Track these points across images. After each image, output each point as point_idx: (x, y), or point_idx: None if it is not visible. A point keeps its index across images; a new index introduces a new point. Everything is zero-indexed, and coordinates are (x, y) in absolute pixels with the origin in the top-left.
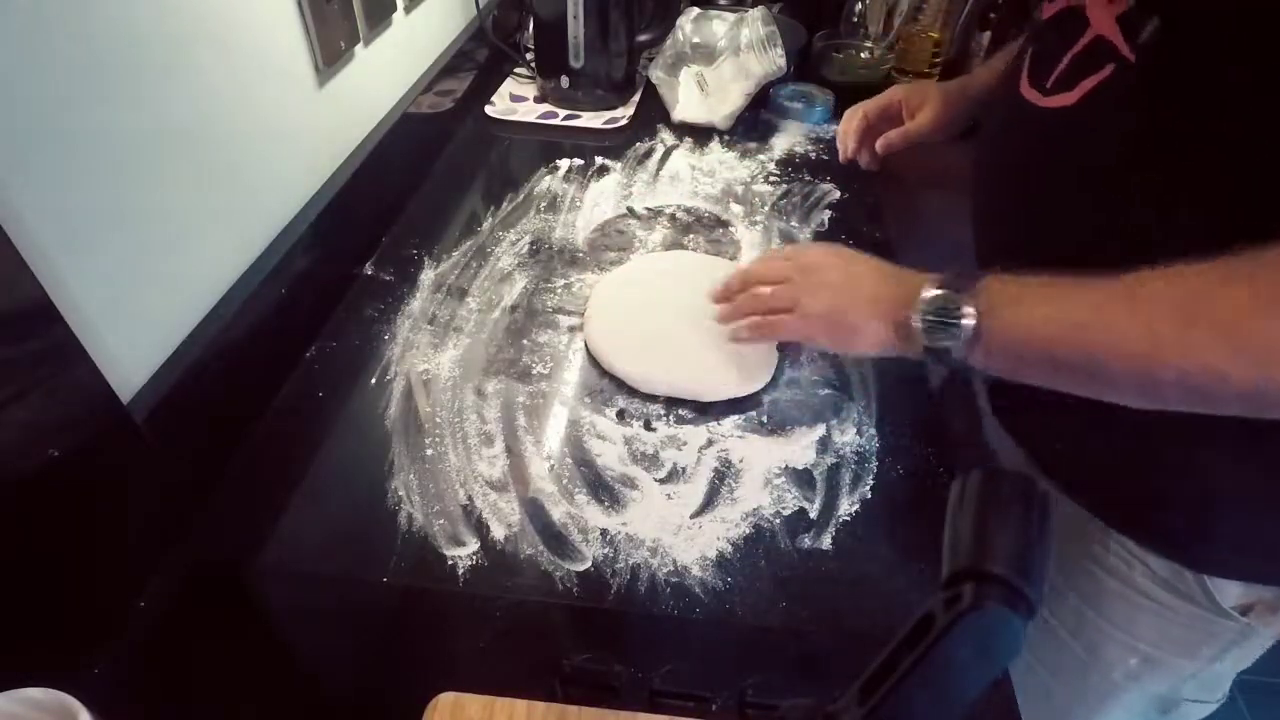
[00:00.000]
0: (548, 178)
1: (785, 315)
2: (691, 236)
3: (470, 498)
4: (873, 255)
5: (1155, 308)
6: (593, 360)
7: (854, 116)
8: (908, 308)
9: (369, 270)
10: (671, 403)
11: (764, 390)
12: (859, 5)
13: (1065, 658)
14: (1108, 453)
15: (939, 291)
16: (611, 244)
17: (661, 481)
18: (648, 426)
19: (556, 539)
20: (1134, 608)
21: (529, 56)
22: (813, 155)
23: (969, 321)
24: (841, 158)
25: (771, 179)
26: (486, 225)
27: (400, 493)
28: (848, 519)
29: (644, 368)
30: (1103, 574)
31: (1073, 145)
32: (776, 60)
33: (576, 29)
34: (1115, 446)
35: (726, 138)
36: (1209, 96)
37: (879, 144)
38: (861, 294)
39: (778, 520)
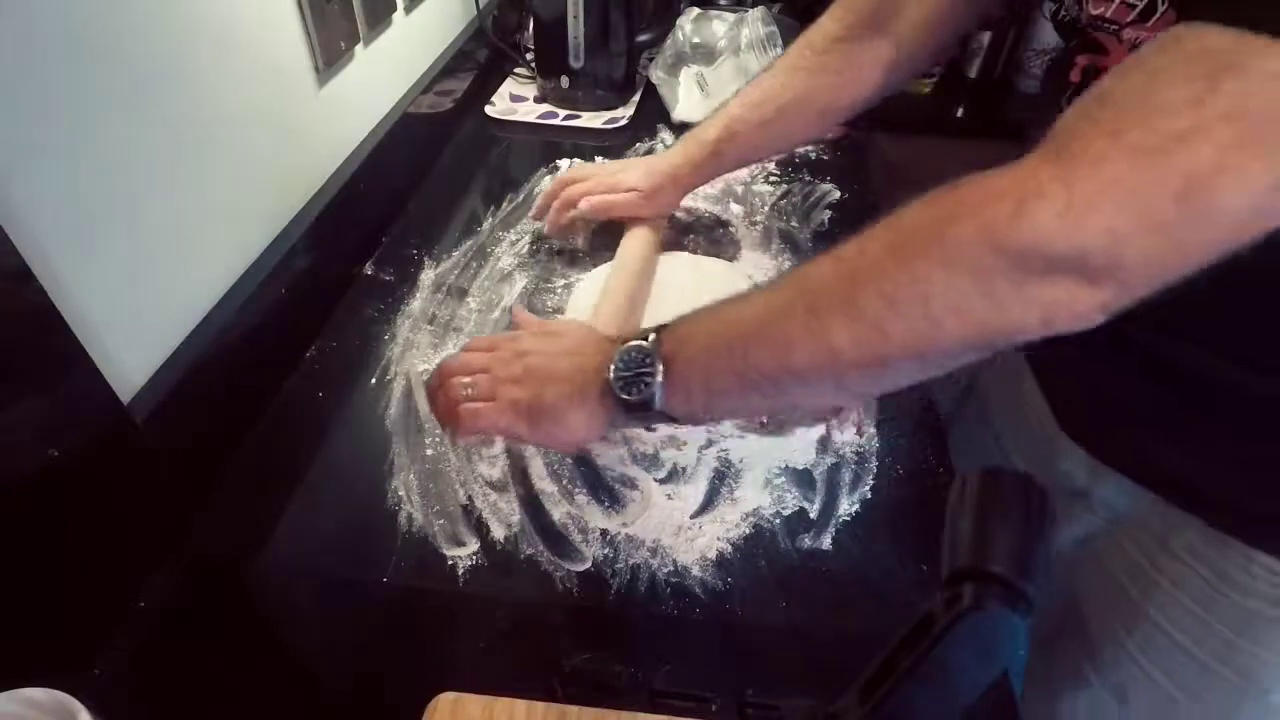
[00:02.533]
0: (548, 178)
1: (483, 405)
2: (691, 237)
3: (470, 498)
4: (589, 328)
5: (812, 285)
6: None
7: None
8: (604, 370)
9: (369, 270)
10: None
11: None
12: None
13: (1218, 687)
14: (1239, 469)
15: (628, 344)
16: (611, 244)
17: (661, 482)
18: (648, 426)
19: (556, 539)
20: None
21: (529, 56)
22: (813, 155)
23: (659, 369)
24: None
25: (771, 179)
26: (486, 225)
27: (400, 493)
28: (848, 519)
29: None
30: (1248, 599)
31: None
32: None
33: (576, 29)
34: (1246, 461)
35: None
36: None
37: (584, 203)
38: (562, 373)
39: (778, 520)
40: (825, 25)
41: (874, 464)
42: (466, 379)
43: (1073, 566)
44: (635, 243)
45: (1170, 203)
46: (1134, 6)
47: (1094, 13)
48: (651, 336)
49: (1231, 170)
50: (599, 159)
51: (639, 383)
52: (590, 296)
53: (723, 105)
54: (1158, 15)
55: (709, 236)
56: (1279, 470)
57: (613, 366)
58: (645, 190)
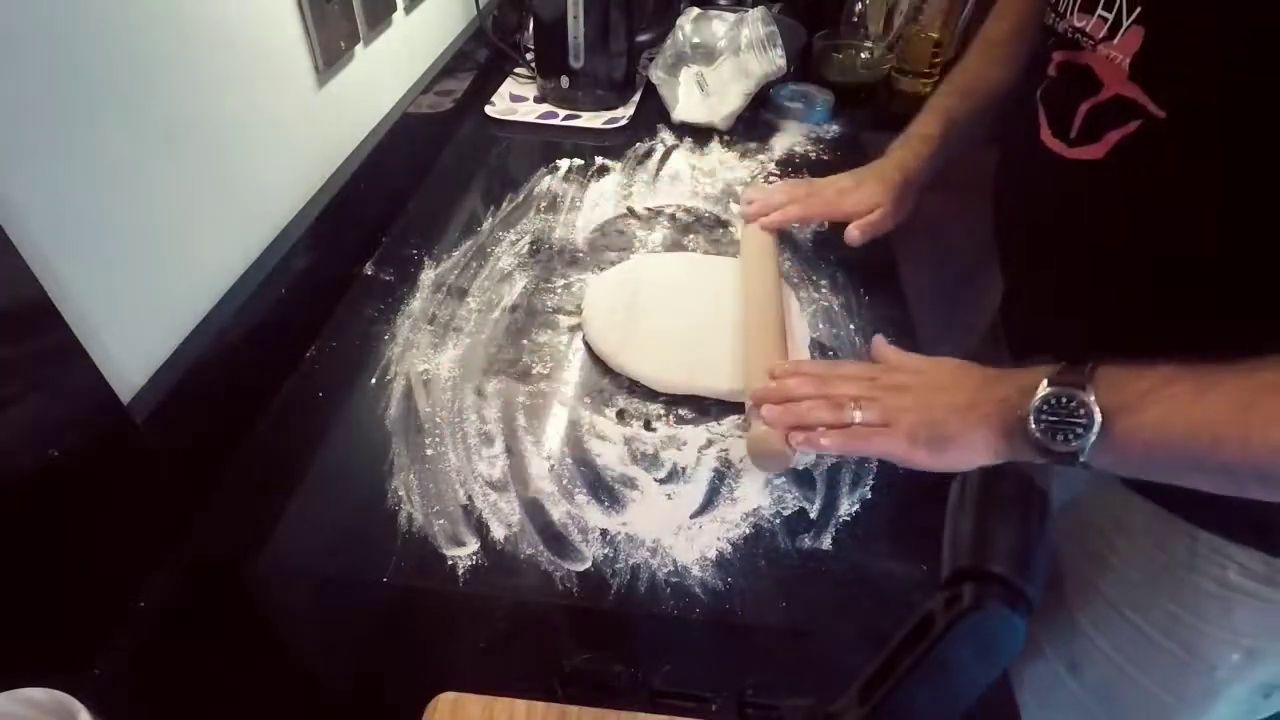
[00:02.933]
0: (547, 178)
1: (881, 428)
2: (691, 237)
3: (470, 498)
4: (963, 361)
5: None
6: (595, 359)
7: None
8: (1014, 407)
9: (369, 270)
10: (671, 403)
11: None
12: (859, 5)
13: (1164, 661)
14: None
15: (1056, 387)
16: (611, 244)
17: (661, 481)
18: (648, 426)
19: (556, 539)
20: (1230, 604)
21: (529, 56)
22: (813, 155)
23: (1096, 421)
24: (749, 210)
25: (771, 179)
26: (486, 225)
27: (400, 493)
28: (848, 519)
29: (657, 366)
30: (1192, 575)
31: (1104, 196)
32: (776, 60)
33: (576, 29)
34: None
35: (726, 138)
36: (1245, 148)
37: (854, 232)
38: (958, 404)
39: (778, 520)
40: (998, 22)
41: (874, 464)
42: (851, 402)
43: None
44: (759, 262)
45: None
46: (1106, 21)
47: (1076, 25)
48: (1087, 385)
49: None
50: (599, 159)
51: (1068, 430)
52: (602, 299)
53: (930, 102)
54: (1123, 30)
55: (709, 237)
56: None
57: (1034, 406)
58: (891, 205)
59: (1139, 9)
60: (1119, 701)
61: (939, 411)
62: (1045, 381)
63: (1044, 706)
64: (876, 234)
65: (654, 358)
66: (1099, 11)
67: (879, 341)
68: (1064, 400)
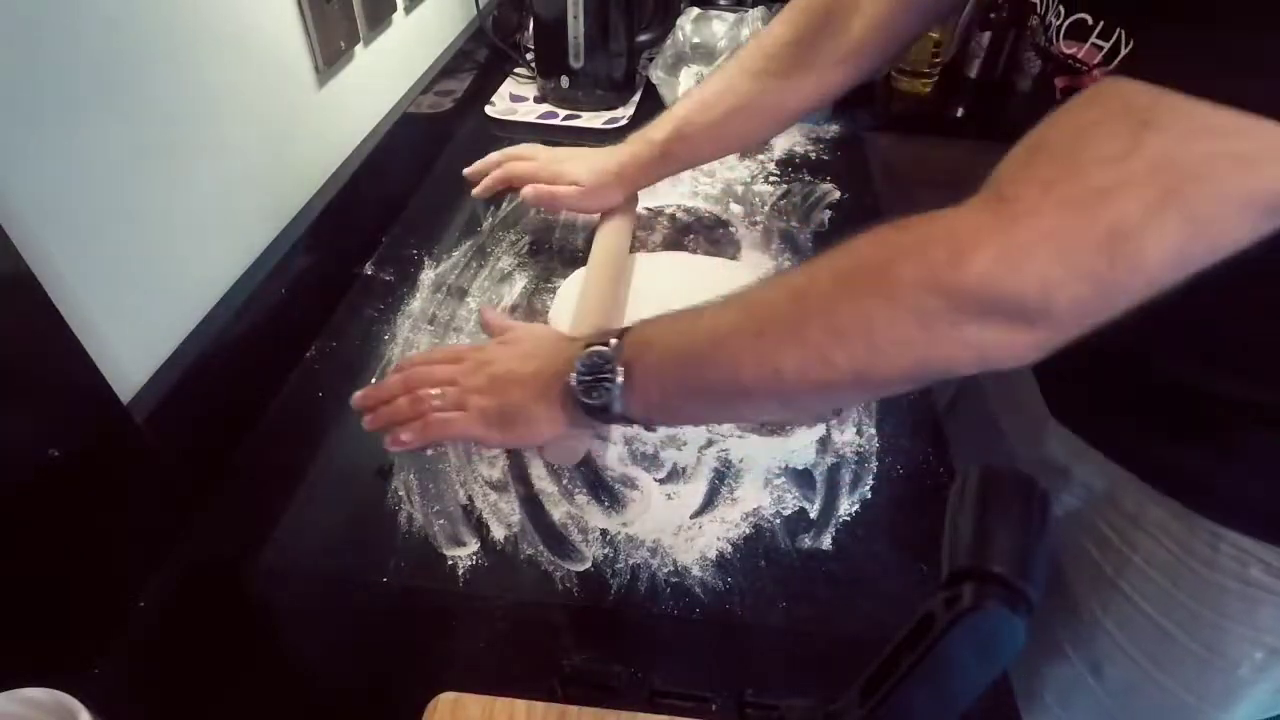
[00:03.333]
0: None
1: (455, 414)
2: (691, 236)
3: (470, 498)
4: (554, 331)
5: (762, 310)
6: None
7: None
8: (565, 374)
9: (369, 270)
10: None
11: None
12: None
13: (1186, 660)
14: (1210, 452)
15: (590, 349)
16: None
17: (661, 481)
18: (648, 426)
19: (556, 539)
20: (1253, 602)
21: (529, 56)
22: (813, 155)
23: (619, 374)
24: (472, 174)
25: (771, 179)
26: (486, 225)
27: (400, 493)
28: (848, 519)
29: None
30: (1214, 573)
31: None
32: None
33: (576, 29)
34: (1218, 445)
35: None
36: None
37: (528, 190)
38: (525, 377)
39: (778, 520)
40: (776, 29)
41: (874, 464)
42: (435, 390)
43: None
44: (607, 239)
45: (1097, 254)
46: (1101, 49)
47: (1066, 52)
48: (614, 341)
49: (1153, 224)
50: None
51: (599, 386)
52: (570, 299)
53: (671, 106)
54: (1120, 58)
55: (709, 236)
56: (1247, 456)
57: (574, 370)
58: (587, 186)
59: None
60: (1141, 703)
61: (508, 390)
62: (584, 344)
63: (1067, 709)
64: (551, 206)
65: None
66: (1092, 40)
67: (485, 310)
68: (596, 359)
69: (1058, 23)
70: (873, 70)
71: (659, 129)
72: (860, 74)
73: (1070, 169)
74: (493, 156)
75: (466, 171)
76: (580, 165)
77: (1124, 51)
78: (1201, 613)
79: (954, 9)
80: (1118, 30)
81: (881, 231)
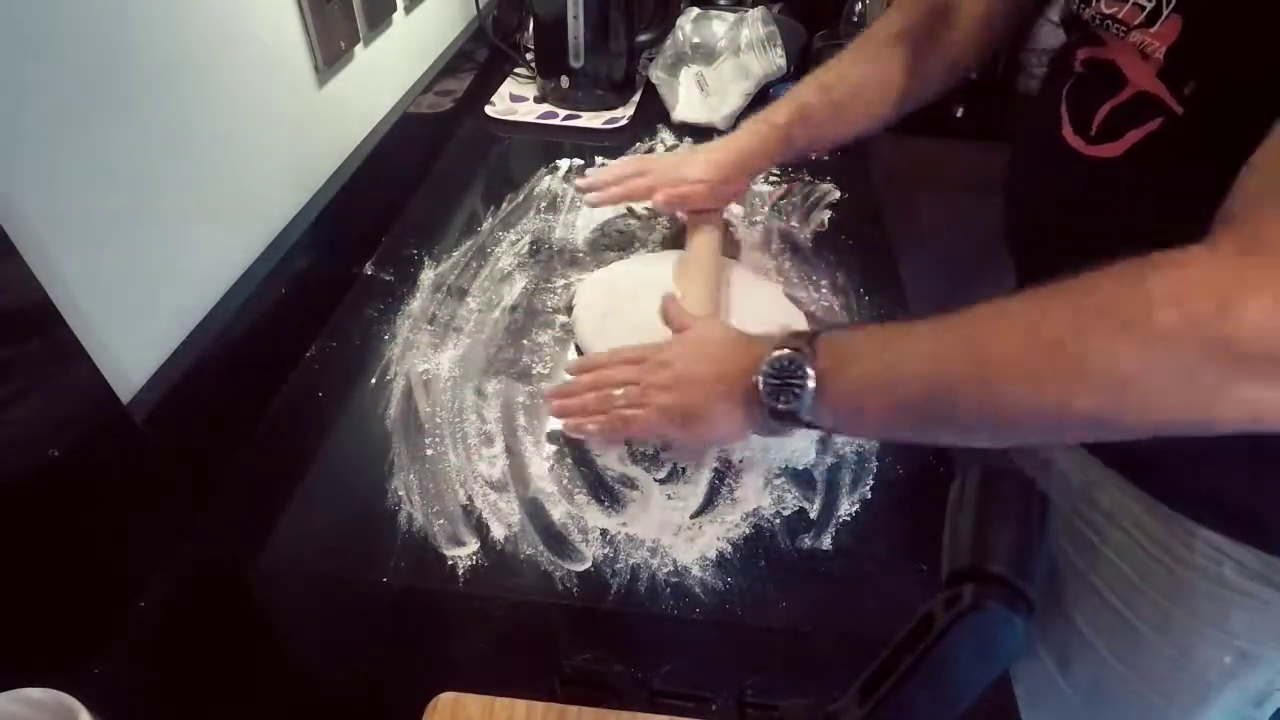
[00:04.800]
0: (548, 178)
1: (637, 411)
2: None
3: (470, 498)
4: (732, 330)
5: (989, 346)
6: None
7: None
8: (751, 374)
9: (369, 270)
10: None
11: None
12: (859, 5)
13: (1154, 660)
14: (1189, 449)
15: (779, 353)
16: (611, 244)
17: (661, 482)
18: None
19: (556, 539)
20: (1224, 603)
21: (529, 56)
22: (812, 155)
23: (810, 381)
24: (587, 186)
25: (771, 179)
26: (486, 225)
27: (400, 493)
28: (848, 519)
29: None
30: (1188, 572)
31: (1119, 195)
32: (776, 60)
33: (576, 29)
34: (1199, 443)
35: None
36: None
37: (659, 196)
38: (707, 377)
39: (778, 520)
40: (887, 20)
41: (874, 464)
42: (618, 391)
43: None
44: (705, 237)
45: None
46: (1143, 8)
47: (1106, 11)
48: (803, 345)
49: None
50: (599, 159)
51: (789, 391)
52: (594, 296)
53: (788, 93)
54: (1163, 19)
55: None
56: (1225, 455)
57: (762, 372)
58: (713, 181)
59: None
60: (1107, 702)
61: (690, 389)
62: (772, 346)
63: (1034, 708)
64: (683, 207)
65: None
66: (1134, 0)
67: (668, 301)
68: (786, 363)
69: None
70: (980, 61)
71: (779, 112)
72: (969, 64)
73: None
74: (611, 171)
75: (580, 184)
76: (698, 164)
77: (1165, 13)
78: (1173, 612)
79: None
80: None
81: (1129, 269)
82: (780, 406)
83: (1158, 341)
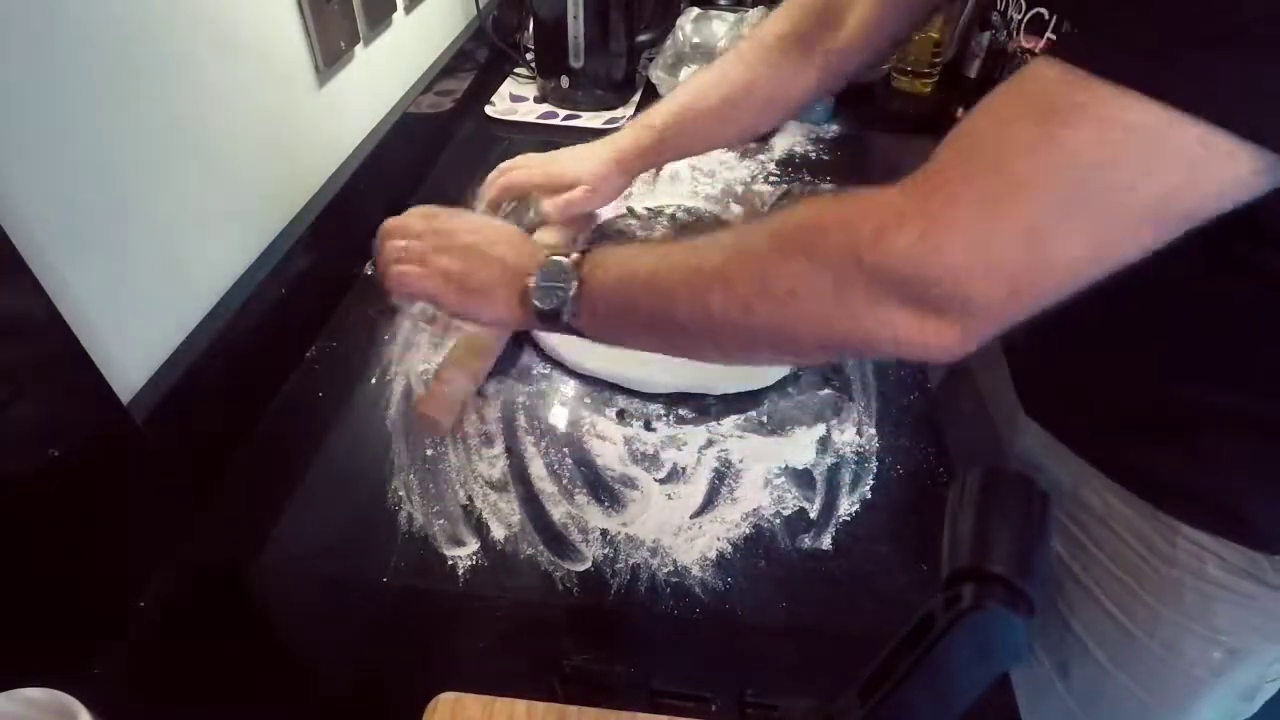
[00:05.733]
0: None
1: (414, 268)
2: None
3: (470, 498)
4: (514, 229)
5: (707, 256)
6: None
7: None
8: (528, 273)
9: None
10: (672, 403)
11: (763, 390)
12: None
13: (1146, 659)
14: (1171, 449)
15: (554, 258)
16: (611, 244)
17: (661, 482)
18: (648, 426)
19: (556, 539)
20: (1210, 599)
21: (529, 56)
22: (813, 155)
23: (573, 284)
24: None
25: (771, 179)
26: None
27: (400, 493)
28: (848, 519)
29: (644, 369)
30: (1173, 570)
31: None
32: None
33: (576, 29)
34: (1181, 441)
35: None
36: None
37: (548, 206)
38: (492, 256)
39: (778, 520)
40: (772, 22)
41: (874, 464)
42: (401, 242)
43: None
44: None
45: (1008, 250)
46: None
47: (1025, 46)
48: (574, 255)
49: (1065, 223)
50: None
51: (554, 293)
52: None
53: (669, 94)
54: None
55: None
56: (1206, 453)
57: (535, 274)
58: (591, 184)
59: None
60: (1103, 705)
61: (477, 264)
62: (550, 252)
63: (1034, 712)
64: (571, 211)
65: (642, 362)
66: (1048, 34)
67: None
68: (554, 267)
69: (1019, 17)
70: (866, 65)
71: (657, 114)
72: (854, 68)
73: (990, 162)
74: (490, 177)
75: (478, 204)
76: (576, 163)
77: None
78: (1162, 611)
79: (939, 9)
80: (1065, 24)
81: (823, 199)
82: (543, 306)
83: (824, 257)
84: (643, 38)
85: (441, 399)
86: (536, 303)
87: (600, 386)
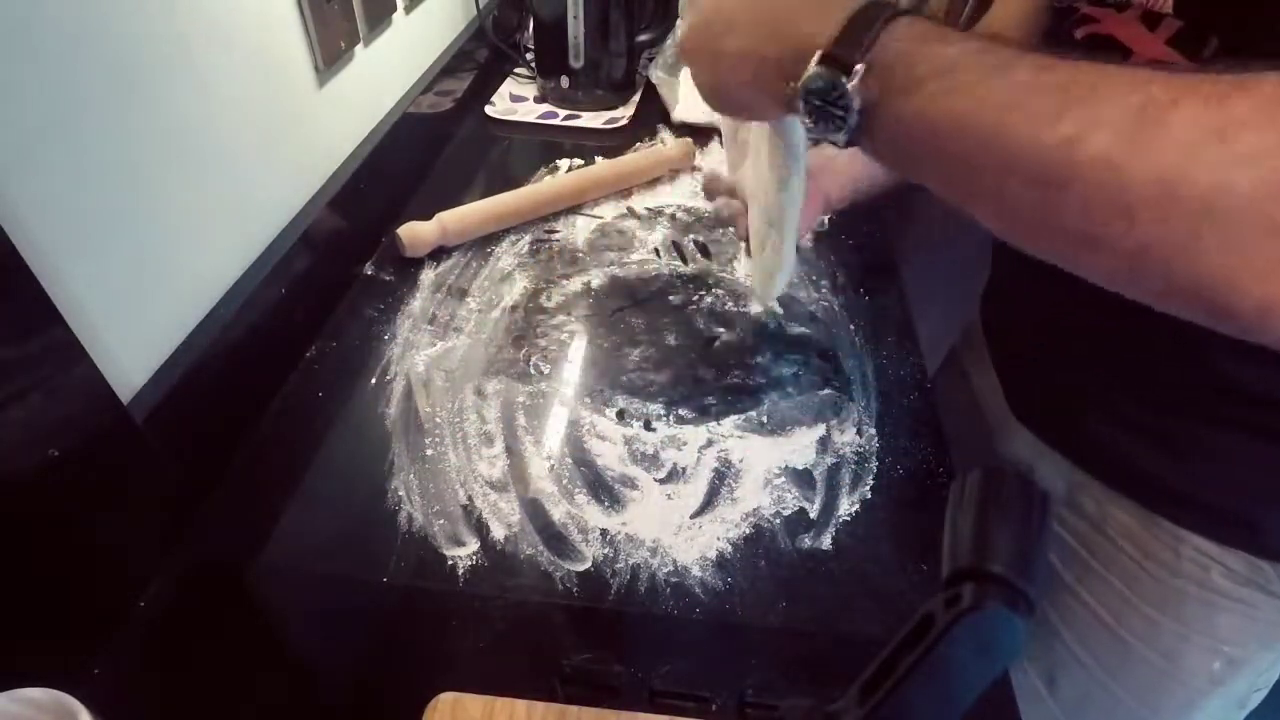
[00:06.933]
0: (548, 178)
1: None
2: (691, 236)
3: (470, 498)
4: None
5: (1070, 81)
6: (594, 358)
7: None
8: (790, 77)
9: (369, 270)
10: (671, 403)
11: (763, 390)
12: None
13: (1142, 671)
14: (1171, 452)
15: (819, 70)
16: (611, 244)
17: (661, 481)
18: (648, 426)
19: (556, 539)
20: (1213, 609)
21: (529, 56)
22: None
23: (854, 116)
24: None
25: None
26: None
27: (400, 493)
28: (848, 519)
29: None
30: (1176, 580)
31: None
32: None
33: (576, 29)
34: (1178, 445)
35: None
36: None
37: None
38: (748, 35)
39: (778, 520)
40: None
41: (874, 464)
42: None
43: None
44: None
45: None
46: None
47: None
48: (854, 71)
49: None
50: (599, 159)
51: (826, 119)
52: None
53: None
54: None
55: (709, 237)
56: (1209, 457)
57: (802, 88)
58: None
59: None
60: (1092, 715)
61: (717, 47)
62: (815, 59)
63: None
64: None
65: None
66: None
67: None
68: (830, 85)
69: None
70: None
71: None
72: None
73: None
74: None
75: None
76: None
77: None
78: (1161, 621)
79: None
80: (1213, 40)
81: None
82: (820, 137)
83: (1227, 202)
84: (643, 38)
85: None
86: (810, 129)
87: (600, 386)
